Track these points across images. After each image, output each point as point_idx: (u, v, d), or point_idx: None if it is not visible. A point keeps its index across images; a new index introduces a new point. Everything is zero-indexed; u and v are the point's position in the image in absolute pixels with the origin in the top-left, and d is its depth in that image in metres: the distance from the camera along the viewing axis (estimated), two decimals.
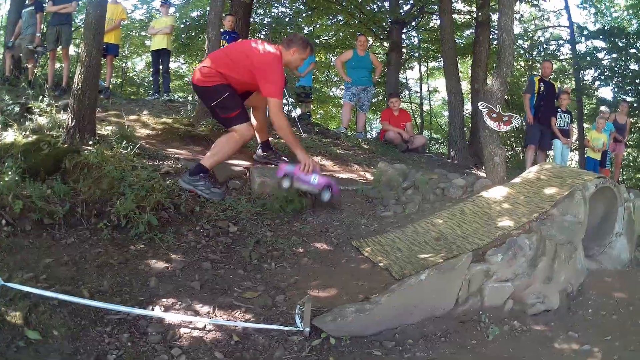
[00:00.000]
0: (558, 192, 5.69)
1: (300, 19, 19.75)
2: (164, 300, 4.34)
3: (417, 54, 21.12)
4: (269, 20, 20.13)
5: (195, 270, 4.88)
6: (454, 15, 17.17)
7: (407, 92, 22.79)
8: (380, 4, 17.47)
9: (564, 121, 10.50)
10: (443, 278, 4.53)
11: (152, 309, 4.17)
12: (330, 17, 19.21)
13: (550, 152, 11.29)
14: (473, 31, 16.57)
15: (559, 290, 5.17)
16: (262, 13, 19.95)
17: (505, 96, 19.75)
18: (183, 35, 19.54)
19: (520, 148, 20.34)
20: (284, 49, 6.29)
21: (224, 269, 4.98)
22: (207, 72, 6.19)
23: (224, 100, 6.13)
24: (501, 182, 6.54)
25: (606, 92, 18.98)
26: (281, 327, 4.13)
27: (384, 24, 16.85)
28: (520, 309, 4.98)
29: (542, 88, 10.46)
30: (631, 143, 18.28)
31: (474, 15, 15.20)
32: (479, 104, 7.11)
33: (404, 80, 22.53)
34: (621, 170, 18.06)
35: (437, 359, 4.18)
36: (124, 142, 6.20)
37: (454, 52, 13.95)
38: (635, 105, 17.33)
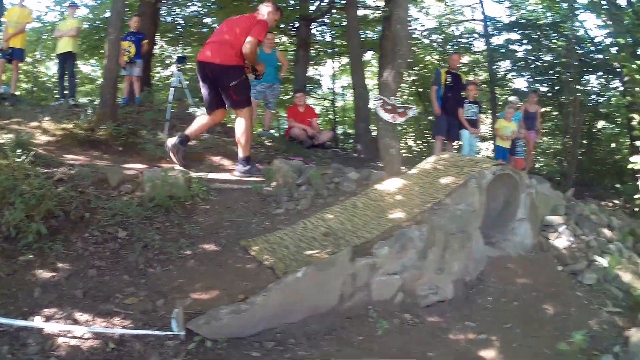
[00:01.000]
0: (454, 181, 5.70)
1: (210, 19, 19.49)
2: (46, 310, 4.18)
3: (328, 50, 21.11)
4: (179, 19, 19.75)
5: (80, 278, 4.71)
6: (366, 11, 17.23)
7: (318, 89, 22.80)
8: (289, 1, 17.38)
9: (472, 111, 10.64)
10: (322, 274, 4.43)
11: (33, 320, 4.02)
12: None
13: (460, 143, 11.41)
14: None
15: (453, 280, 5.15)
16: (176, 11, 19.55)
17: (419, 89, 20.22)
18: (94, 38, 18.98)
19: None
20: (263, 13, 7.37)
21: (109, 275, 4.82)
22: (229, 52, 7.03)
23: (243, 82, 7.17)
24: (397, 174, 6.51)
25: (521, 83, 19.40)
26: (156, 332, 4.01)
27: (293, 21, 16.77)
28: (412, 302, 4.94)
29: (449, 80, 10.56)
30: (546, 130, 18.73)
31: (381, 11, 15.29)
32: (371, 97, 7.08)
33: (318, 77, 22.57)
34: (538, 157, 18.56)
35: (319, 357, 4.10)
36: (20, 150, 5.93)
37: (360, 47, 14.03)
38: (549, 94, 17.79)
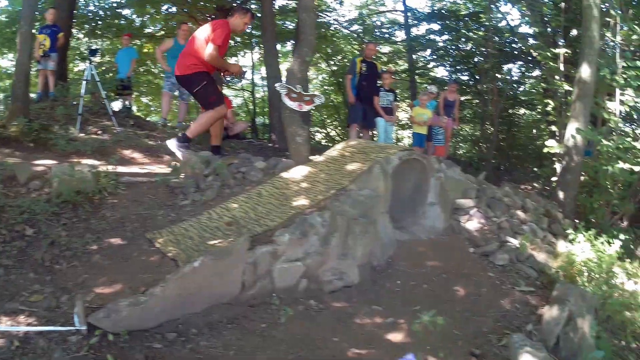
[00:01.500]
0: (360, 167, 5.73)
1: (129, 11, 19.16)
2: None
3: (246, 41, 20.93)
4: (97, 10, 19.32)
5: None
6: (286, 1, 17.18)
7: (237, 80, 22.56)
8: None
9: (387, 100, 10.74)
10: (220, 263, 4.38)
11: None
12: (160, 6, 18.73)
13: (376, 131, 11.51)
14: None
15: (358, 264, 5.19)
16: (94, 3, 19.13)
17: (339, 79, 20.26)
18: (7, 30, 18.40)
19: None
20: (230, 18, 7.36)
21: (16, 274, 4.72)
22: (187, 62, 7.15)
23: (205, 86, 7.14)
24: (304, 162, 6.51)
25: (441, 72, 19.72)
26: (59, 328, 3.93)
27: (209, 12, 16.59)
28: (317, 288, 4.96)
29: (364, 68, 10.63)
30: (469, 118, 19.07)
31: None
32: (276, 85, 7.10)
33: None
34: (460, 144, 18.84)
35: (221, 347, 4.10)
36: None
37: (274, 37, 14.08)
38: (470, 83, 18.09)
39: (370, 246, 5.28)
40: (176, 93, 11.52)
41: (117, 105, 13.00)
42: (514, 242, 6.64)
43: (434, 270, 5.66)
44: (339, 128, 21.26)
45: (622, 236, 7.53)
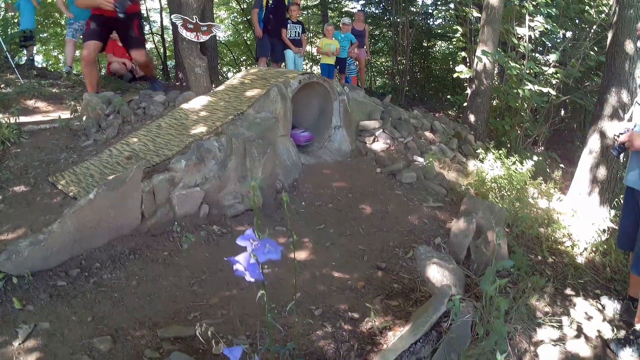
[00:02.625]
0: (259, 93, 5.70)
1: None
2: None
3: None
4: None
5: None
6: None
7: (146, 23, 22.02)
8: None
9: (295, 31, 10.70)
10: (116, 193, 4.31)
11: None
12: None
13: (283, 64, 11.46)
14: None
15: (259, 186, 5.15)
16: None
17: (247, 16, 19.99)
18: None
19: None
20: None
21: None
22: None
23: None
24: (205, 93, 6.46)
25: (355, 5, 19.55)
26: None
27: None
28: (218, 213, 4.99)
29: (270, 1, 10.49)
30: (384, 51, 19.11)
31: None
32: (172, 17, 7.00)
33: (143, 11, 21.67)
34: (376, 77, 18.89)
35: (124, 278, 4.12)
36: None
37: None
38: (384, 15, 18.10)
39: (271, 168, 5.29)
40: (80, 39, 11.21)
41: (22, 58, 12.61)
42: (422, 160, 6.75)
43: (340, 191, 5.74)
44: (252, 66, 21.03)
45: (535, 158, 7.73)
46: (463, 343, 3.63)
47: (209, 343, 3.50)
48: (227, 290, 4.05)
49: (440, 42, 18.86)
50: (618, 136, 4.67)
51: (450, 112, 13.07)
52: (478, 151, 8.11)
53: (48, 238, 4.00)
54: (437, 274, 4.09)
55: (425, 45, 17.69)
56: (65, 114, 7.01)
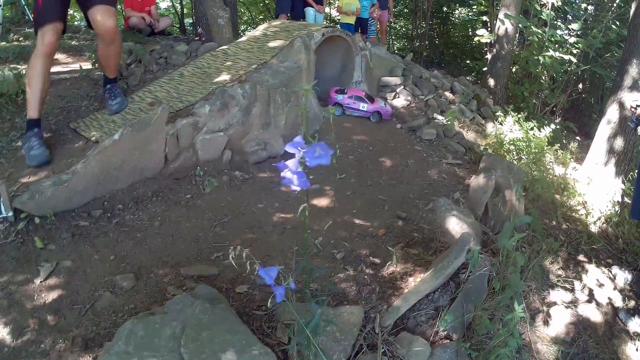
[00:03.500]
0: (282, 44, 5.71)
1: None
2: None
3: None
4: None
5: None
6: None
7: None
8: None
9: None
10: (140, 135, 4.32)
11: None
12: None
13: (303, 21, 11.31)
14: None
15: (282, 135, 5.21)
16: None
17: None
18: None
19: None
20: None
21: None
22: None
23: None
24: (227, 44, 6.45)
25: None
26: None
27: None
28: (241, 159, 5.02)
29: None
30: (404, 13, 18.91)
31: None
32: None
33: None
34: (395, 42, 18.75)
35: (146, 219, 4.16)
36: None
37: None
38: None
39: (293, 117, 5.30)
40: None
41: None
42: (442, 118, 6.75)
43: (361, 144, 5.75)
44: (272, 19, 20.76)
45: (552, 126, 7.71)
46: (480, 295, 3.66)
47: (232, 282, 3.55)
48: (250, 233, 4.09)
49: (460, 8, 18.65)
50: (635, 108, 4.67)
51: (468, 78, 12.97)
52: (497, 114, 8.10)
53: (72, 178, 4.02)
54: (456, 225, 4.12)
55: (446, 10, 17.51)
56: (86, 65, 7.02)
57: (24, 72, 5.96)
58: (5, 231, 3.83)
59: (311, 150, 2.04)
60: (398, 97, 6.91)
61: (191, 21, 13.74)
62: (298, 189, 2.10)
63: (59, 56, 7.76)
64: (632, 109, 4.73)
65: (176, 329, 2.81)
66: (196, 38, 10.57)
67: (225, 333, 2.76)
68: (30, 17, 9.73)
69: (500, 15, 9.52)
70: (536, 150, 6.84)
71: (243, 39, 6.30)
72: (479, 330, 3.43)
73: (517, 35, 10.21)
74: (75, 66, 6.97)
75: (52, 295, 3.40)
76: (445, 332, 3.33)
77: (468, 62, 14.53)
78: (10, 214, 3.87)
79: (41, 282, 3.48)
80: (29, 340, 3.13)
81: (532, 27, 9.24)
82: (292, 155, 2.10)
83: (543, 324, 4.15)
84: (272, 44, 5.78)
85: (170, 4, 20.33)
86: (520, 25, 9.23)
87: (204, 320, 2.83)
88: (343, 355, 2.94)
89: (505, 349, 3.18)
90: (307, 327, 2.45)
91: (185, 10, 17.26)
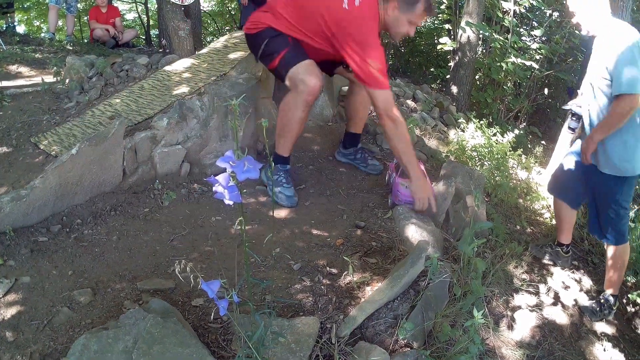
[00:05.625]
0: (242, 55, 5.73)
1: None
2: None
3: None
4: None
5: None
6: None
7: None
8: None
9: None
10: (98, 149, 4.34)
11: None
12: None
13: None
14: None
15: (240, 147, 5.19)
16: None
17: None
18: None
19: None
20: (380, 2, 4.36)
21: None
22: (256, 16, 4.69)
23: (267, 45, 4.54)
24: (188, 55, 6.48)
25: None
26: None
27: None
28: (200, 172, 5.02)
29: None
30: None
31: None
32: None
33: None
34: None
35: (105, 233, 4.17)
36: None
37: None
38: None
39: (252, 129, 5.31)
40: (63, 6, 11.18)
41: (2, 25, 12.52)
42: None
43: (321, 154, 5.78)
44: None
45: (516, 131, 7.80)
46: (440, 302, 3.69)
47: (188, 295, 3.56)
48: (207, 246, 4.10)
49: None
50: (572, 114, 4.81)
51: (433, 86, 13.07)
52: (459, 121, 8.18)
53: (30, 194, 4.02)
54: (415, 233, 4.15)
55: None
56: (48, 78, 7.00)
57: None
58: None
59: (240, 164, 2.06)
60: None
61: (157, 32, 13.72)
62: (231, 203, 2.12)
63: (22, 69, 7.75)
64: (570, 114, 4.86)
65: (128, 343, 2.81)
66: (160, 50, 10.59)
67: (176, 346, 2.78)
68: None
69: (463, 24, 9.62)
70: (499, 156, 6.91)
71: (204, 50, 6.33)
72: (440, 337, 3.46)
73: (479, 42, 10.32)
74: (38, 79, 6.97)
75: (11, 312, 3.38)
76: (405, 341, 3.35)
77: (432, 70, 14.62)
78: None
79: (0, 298, 3.47)
80: None
81: (494, 34, 9.35)
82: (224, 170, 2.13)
83: (507, 328, 4.19)
84: (232, 56, 5.81)
85: (137, 15, 20.33)
86: (481, 32, 9.33)
87: (156, 334, 2.84)
88: None
89: (465, 356, 3.21)
90: (250, 339, 2.47)
91: (152, 22, 17.26)
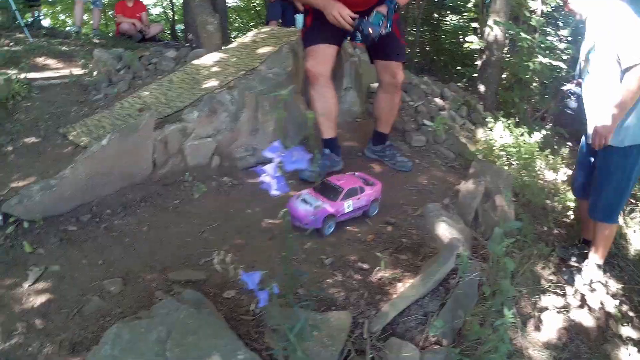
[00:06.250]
0: (271, 50, 5.73)
1: None
2: None
3: None
4: None
5: None
6: None
7: None
8: None
9: None
10: (128, 141, 4.35)
11: None
12: None
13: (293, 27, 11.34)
14: None
15: (269, 141, 5.19)
16: None
17: None
18: None
19: None
20: None
21: None
22: None
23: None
24: (216, 50, 6.48)
25: None
26: None
27: None
28: (230, 165, 5.04)
29: None
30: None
31: None
32: None
33: None
34: None
35: (135, 224, 4.18)
36: None
37: None
38: None
39: (282, 123, 5.30)
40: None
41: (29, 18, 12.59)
42: (431, 124, 6.76)
43: (350, 150, 5.77)
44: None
45: (543, 131, 7.74)
46: (470, 301, 3.66)
47: (220, 287, 3.55)
48: (238, 239, 4.09)
49: (451, 15, 18.70)
50: (570, 93, 4.78)
51: (458, 84, 13.03)
52: (487, 120, 8.13)
53: (60, 183, 4.05)
54: (445, 231, 4.12)
55: (436, 17, 17.57)
56: (76, 71, 7.04)
57: (14, 77, 6.00)
58: None
59: (289, 155, 2.05)
60: None
61: (182, 27, 13.77)
62: (277, 193, 2.11)
63: (48, 62, 7.79)
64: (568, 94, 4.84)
65: (162, 333, 2.81)
66: (186, 44, 10.62)
67: (210, 338, 2.77)
68: (22, 22, 9.73)
69: (490, 22, 9.57)
70: (526, 156, 6.86)
71: (232, 45, 6.34)
72: (469, 336, 3.43)
73: (507, 41, 10.26)
74: (65, 72, 7.00)
75: (41, 299, 3.41)
76: (435, 338, 3.33)
77: (458, 68, 14.57)
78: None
79: (29, 285, 3.49)
80: (17, 344, 3.14)
81: (522, 33, 9.29)
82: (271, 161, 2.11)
83: (534, 329, 4.16)
84: (260, 51, 5.81)
85: (162, 10, 20.42)
86: (509, 31, 9.28)
87: (190, 324, 2.84)
88: None
89: (495, 355, 3.18)
90: (291, 332, 2.46)
91: (177, 17, 17.32)
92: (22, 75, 6.40)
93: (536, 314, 4.31)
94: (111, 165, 4.30)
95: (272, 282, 2.32)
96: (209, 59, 6.02)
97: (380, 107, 5.46)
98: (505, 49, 10.59)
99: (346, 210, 4.29)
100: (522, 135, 7.42)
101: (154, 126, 4.54)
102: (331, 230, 4.25)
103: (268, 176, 2.10)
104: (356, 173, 4.71)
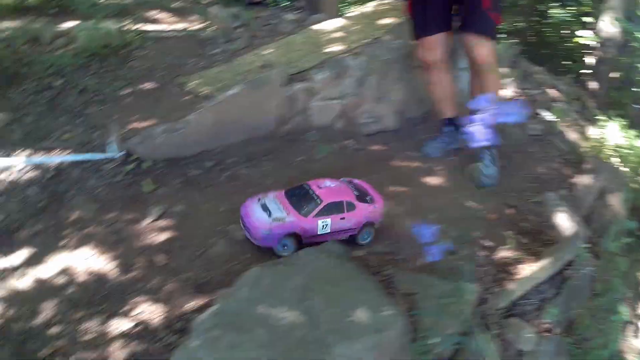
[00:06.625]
0: (394, 21, 5.70)
1: None
2: None
3: None
4: None
5: (19, 125, 4.76)
6: None
7: None
8: None
9: None
10: (256, 93, 4.44)
11: None
12: None
13: None
14: None
15: (394, 110, 5.24)
16: None
17: None
18: None
19: None
20: None
21: (47, 119, 4.85)
22: None
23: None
24: (334, 17, 6.52)
25: None
26: (91, 157, 4.12)
27: None
28: (353, 129, 5.07)
29: None
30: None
31: None
32: None
33: None
34: None
35: (258, 175, 4.27)
36: None
37: None
38: None
39: (405, 94, 5.31)
40: None
41: None
42: (547, 114, 6.65)
43: None
44: None
45: None
46: (583, 294, 3.64)
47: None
48: None
49: (557, 8, 18.31)
50: None
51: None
52: (598, 117, 7.94)
53: (185, 127, 4.19)
54: (565, 222, 4.08)
55: (543, 9, 17.19)
56: (189, 26, 7.13)
57: (126, 28, 6.09)
58: (112, 171, 4.04)
59: (506, 106, 1.99)
60: (505, 89, 6.83)
61: None
62: (486, 144, 2.04)
63: (160, 16, 7.89)
64: None
65: (302, 281, 2.84)
66: (297, 11, 10.63)
67: (354, 290, 2.79)
68: None
69: (606, 18, 9.32)
70: (638, 160, 6.67)
71: (354, 13, 6.34)
72: (581, 329, 3.40)
73: (622, 39, 10.00)
74: (177, 26, 7.09)
75: (162, 237, 3.51)
76: (548, 325, 3.31)
77: (566, 63, 14.22)
78: (117, 155, 4.08)
79: (151, 222, 3.57)
80: (137, 277, 3.24)
81: (638, 34, 9.04)
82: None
83: (633, 334, 4.08)
84: (382, 21, 5.80)
85: None
86: (629, 30, 9.03)
87: (333, 275, 2.86)
88: (456, 330, 2.96)
89: (604, 351, 3.15)
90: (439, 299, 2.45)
91: None
92: (135, 27, 6.51)
93: (634, 320, 4.21)
94: (238, 115, 4.38)
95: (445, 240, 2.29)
96: (330, 25, 6.03)
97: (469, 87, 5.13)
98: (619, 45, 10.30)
99: (319, 232, 3.43)
100: (636, 137, 7.22)
101: (281, 83, 4.58)
102: (290, 252, 3.40)
103: (477, 125, 2.04)
104: (355, 180, 3.91)
